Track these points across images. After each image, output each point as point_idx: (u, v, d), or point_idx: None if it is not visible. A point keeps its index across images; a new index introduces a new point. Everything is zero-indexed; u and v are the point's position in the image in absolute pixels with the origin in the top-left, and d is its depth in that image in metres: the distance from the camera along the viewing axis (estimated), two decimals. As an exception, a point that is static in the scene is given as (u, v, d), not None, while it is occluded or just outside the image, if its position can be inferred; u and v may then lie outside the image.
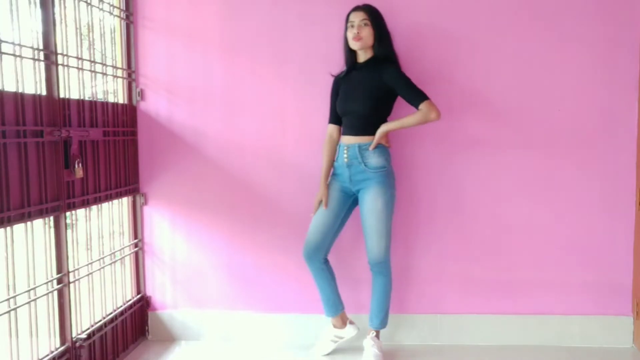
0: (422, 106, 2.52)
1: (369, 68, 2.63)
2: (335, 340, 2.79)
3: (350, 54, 2.67)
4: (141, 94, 2.99)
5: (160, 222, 3.04)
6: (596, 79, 2.81)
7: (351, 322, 2.82)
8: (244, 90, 2.94)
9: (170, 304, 3.07)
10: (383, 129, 2.58)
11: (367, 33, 2.57)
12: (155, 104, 2.99)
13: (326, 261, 2.76)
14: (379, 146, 2.62)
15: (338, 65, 2.77)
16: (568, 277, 2.90)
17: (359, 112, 2.62)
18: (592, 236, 2.87)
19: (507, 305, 2.93)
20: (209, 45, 2.94)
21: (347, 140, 2.66)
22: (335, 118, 2.73)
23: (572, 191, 2.87)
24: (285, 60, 2.91)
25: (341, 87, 2.70)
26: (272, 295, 2.99)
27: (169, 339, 3.05)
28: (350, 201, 2.72)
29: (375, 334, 2.73)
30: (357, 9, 2.60)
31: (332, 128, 2.74)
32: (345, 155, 2.65)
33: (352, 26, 2.58)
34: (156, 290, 3.07)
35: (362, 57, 2.65)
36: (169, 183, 3.01)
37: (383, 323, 2.74)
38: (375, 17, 2.59)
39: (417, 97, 2.54)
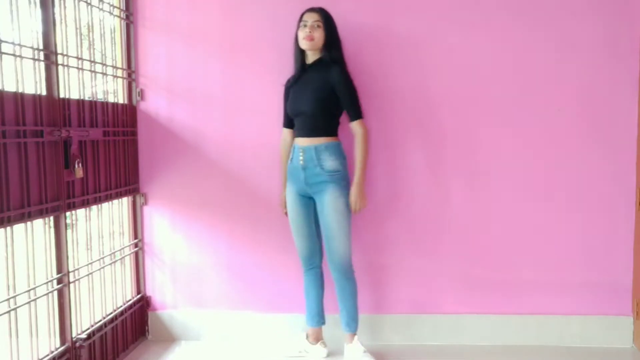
0: (356, 126, 2.59)
1: (316, 69, 2.65)
2: (302, 352, 2.78)
3: (300, 54, 2.68)
4: (141, 94, 2.99)
5: (160, 222, 3.04)
6: (596, 78, 2.81)
7: (324, 344, 2.79)
8: (244, 90, 2.94)
9: (170, 304, 3.07)
10: (355, 190, 2.59)
11: (319, 35, 2.59)
12: (155, 104, 2.99)
13: (321, 268, 2.78)
14: (335, 150, 2.62)
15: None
16: (568, 277, 2.90)
17: (309, 113, 2.63)
18: (592, 236, 2.87)
19: (507, 305, 2.93)
20: (209, 45, 2.94)
21: (302, 142, 2.65)
22: (288, 122, 2.76)
23: (572, 191, 2.87)
24: (285, 60, 2.90)
25: (292, 89, 2.71)
26: (272, 295, 2.99)
27: (169, 339, 3.05)
28: (311, 203, 2.71)
29: (357, 337, 2.72)
30: (311, 10, 2.62)
31: (286, 132, 2.78)
32: (300, 158, 2.64)
33: (305, 26, 2.60)
34: (156, 290, 3.07)
35: (311, 58, 2.67)
36: (169, 183, 3.01)
37: (357, 325, 2.71)
38: (328, 21, 2.61)
39: (354, 111, 2.60)
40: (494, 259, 2.92)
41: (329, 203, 2.60)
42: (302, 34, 2.61)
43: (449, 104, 2.87)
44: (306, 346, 2.79)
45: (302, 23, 2.62)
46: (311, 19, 2.60)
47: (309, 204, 2.71)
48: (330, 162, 2.61)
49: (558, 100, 2.83)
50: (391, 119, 2.87)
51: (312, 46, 2.61)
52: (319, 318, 2.78)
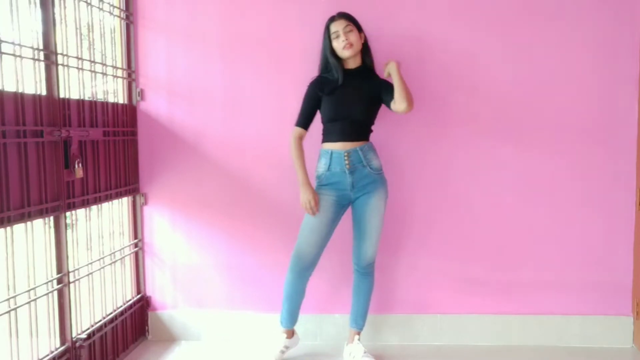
0: None
1: (360, 75, 2.62)
2: (284, 350, 2.78)
3: (338, 62, 2.60)
4: (141, 94, 2.99)
5: (160, 222, 3.04)
6: (596, 78, 2.81)
7: (295, 332, 2.84)
8: (244, 90, 2.94)
9: (170, 304, 3.07)
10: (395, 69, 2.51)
11: (355, 38, 2.57)
12: (155, 104, 2.99)
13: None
14: (375, 150, 2.64)
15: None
16: (568, 277, 2.90)
17: (358, 117, 2.59)
18: (592, 236, 2.88)
19: (507, 305, 2.93)
20: (209, 45, 2.94)
21: (342, 146, 2.59)
22: (307, 122, 2.64)
23: (572, 191, 2.87)
24: (285, 60, 2.91)
25: (330, 93, 2.59)
26: (272, 295, 2.99)
27: (169, 339, 3.05)
28: (343, 211, 2.69)
29: (359, 336, 2.74)
30: (335, 18, 2.58)
31: (302, 132, 2.64)
32: (346, 162, 2.58)
33: (338, 36, 2.55)
34: (156, 290, 3.07)
35: (352, 63, 2.63)
36: (169, 183, 3.01)
37: (364, 324, 2.76)
38: (356, 22, 2.59)
39: None
40: (494, 259, 2.92)
41: (375, 204, 2.61)
42: (339, 45, 2.55)
43: (446, 104, 2.87)
44: (285, 342, 2.79)
45: (332, 34, 2.57)
46: (340, 26, 2.55)
47: (340, 213, 2.67)
48: (375, 162, 2.63)
49: (558, 101, 2.83)
50: (390, 120, 2.87)
51: (353, 51, 2.56)
52: (296, 320, 2.80)
